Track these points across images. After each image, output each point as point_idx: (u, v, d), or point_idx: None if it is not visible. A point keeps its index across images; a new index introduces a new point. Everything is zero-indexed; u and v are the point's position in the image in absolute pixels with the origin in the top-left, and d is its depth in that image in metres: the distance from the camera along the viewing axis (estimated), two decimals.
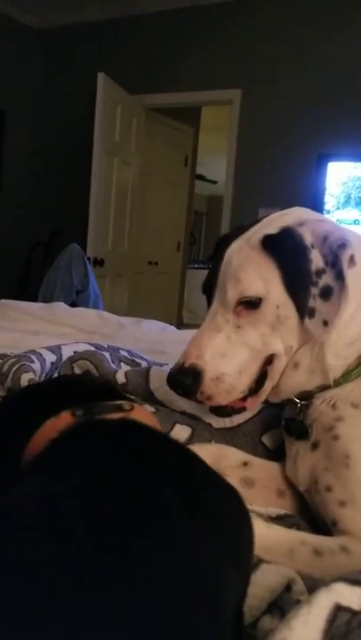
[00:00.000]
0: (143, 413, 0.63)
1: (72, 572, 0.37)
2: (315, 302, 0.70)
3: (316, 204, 3.52)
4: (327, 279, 0.70)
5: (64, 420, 0.58)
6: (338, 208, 3.58)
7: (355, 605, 0.41)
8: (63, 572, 0.36)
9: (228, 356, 0.74)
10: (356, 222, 3.50)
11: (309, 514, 0.77)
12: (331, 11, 3.63)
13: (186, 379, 0.74)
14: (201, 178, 7.41)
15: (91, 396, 0.63)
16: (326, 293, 0.70)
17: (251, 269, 0.73)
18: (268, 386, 0.77)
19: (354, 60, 3.57)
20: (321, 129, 3.66)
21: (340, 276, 0.69)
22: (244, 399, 0.77)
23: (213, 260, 0.81)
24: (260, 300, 0.73)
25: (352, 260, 0.70)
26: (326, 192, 3.59)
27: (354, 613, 0.40)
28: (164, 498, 0.45)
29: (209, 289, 0.79)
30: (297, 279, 0.71)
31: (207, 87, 4.09)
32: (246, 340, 0.74)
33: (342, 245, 0.70)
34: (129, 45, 4.32)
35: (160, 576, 0.38)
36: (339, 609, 0.41)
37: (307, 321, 0.71)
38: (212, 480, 0.54)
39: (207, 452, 0.83)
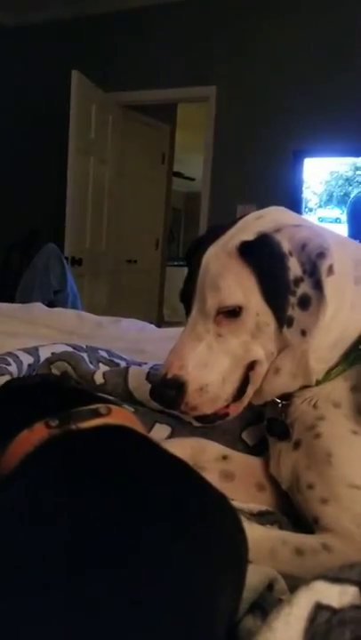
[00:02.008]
0: (122, 414, 0.61)
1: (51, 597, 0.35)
2: (293, 311, 0.69)
3: (294, 201, 3.54)
4: (305, 288, 0.69)
5: (38, 432, 0.55)
6: (320, 206, 3.60)
7: (335, 603, 0.40)
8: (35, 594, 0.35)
9: (211, 365, 0.73)
10: (337, 220, 3.53)
11: (290, 509, 0.77)
12: (303, 8, 3.65)
13: (169, 391, 0.73)
14: (178, 175, 7.39)
15: (64, 400, 0.61)
16: (304, 303, 0.69)
17: (230, 278, 0.72)
18: (250, 391, 0.77)
19: (328, 56, 3.60)
20: (297, 125, 3.68)
21: (318, 286, 0.68)
22: (227, 405, 0.77)
23: (189, 266, 0.79)
24: (241, 309, 0.72)
25: (331, 269, 0.70)
26: (309, 190, 3.60)
27: (334, 611, 0.40)
28: (149, 513, 0.43)
29: (187, 297, 0.78)
30: (274, 287, 0.70)
31: (183, 84, 4.08)
32: (228, 348, 0.73)
33: (321, 255, 0.69)
34: (103, 43, 4.29)
35: (150, 595, 0.37)
36: (319, 607, 0.41)
37: (285, 330, 0.70)
38: (197, 484, 0.52)
39: (186, 446, 0.83)
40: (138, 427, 0.61)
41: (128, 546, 0.40)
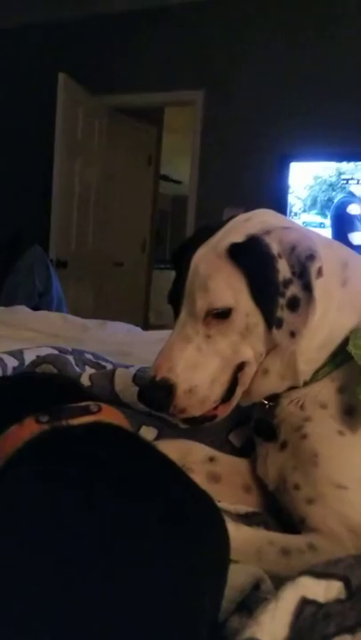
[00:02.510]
0: (112, 413, 0.61)
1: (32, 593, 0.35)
2: (282, 313, 0.70)
3: (280, 204, 3.57)
4: (294, 289, 0.70)
5: (28, 427, 0.54)
6: (304, 211, 3.63)
7: (320, 598, 0.41)
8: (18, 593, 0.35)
9: (200, 366, 0.73)
10: (321, 225, 3.56)
11: (277, 510, 0.78)
12: (290, 11, 3.68)
13: (158, 393, 0.73)
14: (165, 178, 7.40)
15: (55, 396, 0.60)
16: (294, 304, 0.70)
17: (219, 279, 0.72)
18: (239, 392, 0.77)
19: (316, 60, 3.63)
20: (283, 129, 3.71)
21: (307, 288, 0.69)
22: (215, 407, 0.77)
23: (177, 267, 0.79)
24: (230, 310, 0.72)
25: (320, 271, 0.71)
26: (293, 194, 3.63)
27: (319, 606, 0.41)
28: (136, 510, 0.44)
29: (176, 298, 0.78)
30: (264, 289, 0.71)
31: (170, 88, 4.10)
32: (217, 349, 0.73)
33: (310, 257, 0.70)
34: (91, 46, 4.29)
35: (132, 592, 0.37)
36: (305, 602, 0.42)
37: (275, 331, 0.71)
38: (185, 485, 0.52)
39: (173, 448, 0.83)
40: (127, 425, 0.61)
41: (115, 543, 0.40)
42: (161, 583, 0.39)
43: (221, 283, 0.72)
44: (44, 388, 0.66)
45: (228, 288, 0.72)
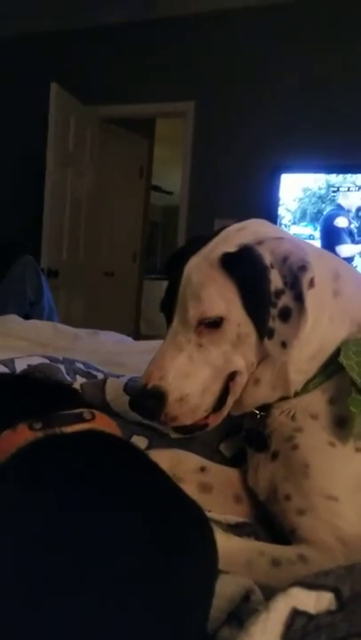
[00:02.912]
0: (105, 421, 0.61)
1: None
2: (274, 323, 0.70)
3: (271, 215, 3.59)
4: (286, 300, 0.70)
5: (22, 433, 0.54)
6: (294, 223, 3.66)
7: (311, 609, 0.41)
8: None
9: (192, 375, 0.73)
10: (310, 237, 3.59)
11: (267, 520, 0.78)
12: (284, 25, 3.73)
13: (149, 401, 0.72)
14: (156, 189, 7.43)
15: (49, 401, 0.60)
16: (285, 315, 0.70)
17: (212, 288, 0.73)
18: (230, 401, 0.77)
19: (307, 72, 3.68)
20: (274, 141, 3.74)
21: (299, 299, 0.69)
22: (206, 416, 0.77)
23: (170, 276, 0.79)
24: (222, 320, 0.72)
25: (312, 282, 0.71)
26: (283, 207, 3.65)
27: (310, 617, 0.40)
28: (125, 522, 0.43)
29: (168, 307, 0.78)
30: (256, 299, 0.71)
31: (161, 99, 4.13)
32: (208, 358, 0.73)
33: (303, 268, 0.70)
34: (83, 57, 4.31)
35: (117, 605, 0.37)
36: (296, 613, 0.41)
37: (266, 341, 0.71)
38: (174, 496, 0.52)
39: (164, 457, 0.83)
40: (119, 434, 0.61)
41: (102, 554, 0.40)
42: (147, 597, 0.39)
43: (214, 292, 0.72)
44: (39, 391, 0.66)
45: (221, 298, 0.72)
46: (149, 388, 0.73)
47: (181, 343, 0.74)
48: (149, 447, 0.91)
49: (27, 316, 2.86)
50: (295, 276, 0.70)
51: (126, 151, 4.91)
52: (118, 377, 1.10)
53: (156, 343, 1.04)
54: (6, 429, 0.55)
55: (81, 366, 1.19)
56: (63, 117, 3.86)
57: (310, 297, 0.70)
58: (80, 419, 0.57)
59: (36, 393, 0.65)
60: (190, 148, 4.07)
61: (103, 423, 0.59)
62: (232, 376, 0.75)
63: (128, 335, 2.36)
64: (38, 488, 0.46)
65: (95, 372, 1.18)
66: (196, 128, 4.04)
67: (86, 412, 0.58)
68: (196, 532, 0.50)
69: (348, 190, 3.49)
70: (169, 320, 0.78)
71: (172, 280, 0.78)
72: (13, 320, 2.31)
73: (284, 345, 0.71)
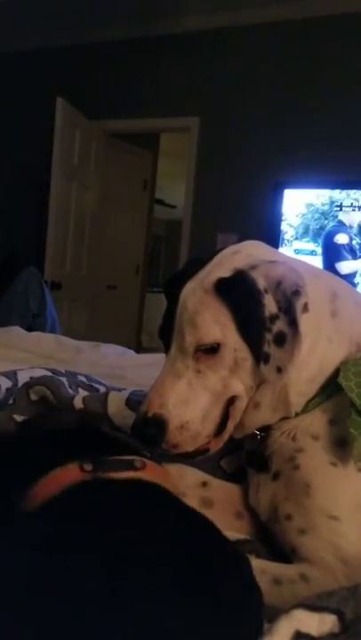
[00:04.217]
0: (156, 471, 0.60)
1: None
2: (269, 348, 0.70)
3: (274, 231, 3.61)
4: (281, 325, 0.70)
5: (71, 472, 0.55)
6: (296, 238, 3.67)
7: (313, 632, 0.40)
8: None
9: (191, 402, 0.73)
10: (313, 253, 3.60)
11: (268, 538, 0.77)
12: (287, 40, 3.78)
13: (150, 429, 0.73)
14: (160, 202, 7.48)
15: (101, 447, 0.59)
16: (280, 340, 0.70)
17: (207, 315, 0.73)
18: (230, 426, 0.77)
19: (310, 88, 3.72)
20: (278, 157, 3.77)
21: (293, 324, 0.69)
22: (208, 441, 0.76)
23: (168, 301, 0.80)
24: (219, 345, 0.72)
25: (305, 307, 0.71)
26: (285, 222, 3.66)
27: None
28: (163, 578, 0.43)
29: (166, 333, 0.78)
30: (250, 324, 0.71)
31: (166, 114, 4.17)
32: (207, 384, 0.73)
33: (296, 292, 0.70)
34: (88, 72, 4.37)
35: None
36: (299, 636, 0.41)
37: (262, 366, 0.71)
38: (222, 551, 0.51)
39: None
40: (170, 484, 0.60)
41: (137, 608, 0.39)
42: None
43: (209, 318, 0.72)
44: (92, 436, 0.66)
45: (216, 323, 0.72)
46: (150, 415, 0.73)
47: (180, 370, 0.74)
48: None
49: (29, 328, 2.86)
50: (289, 301, 0.70)
51: (130, 165, 4.95)
52: (120, 390, 1.10)
53: (158, 356, 1.04)
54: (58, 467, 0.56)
55: (83, 379, 1.19)
56: (68, 131, 3.89)
57: (307, 319, 0.70)
58: (131, 466, 0.57)
59: (91, 437, 0.65)
60: (194, 162, 4.11)
61: (154, 473, 0.58)
62: (232, 400, 0.75)
63: (130, 348, 2.37)
64: (75, 532, 0.46)
65: (97, 386, 1.18)
66: (200, 143, 4.08)
67: (138, 461, 0.58)
68: (244, 597, 0.48)
69: (352, 209, 3.50)
70: (167, 346, 0.77)
71: (170, 306, 0.78)
72: (16, 332, 2.31)
73: (279, 370, 0.70)
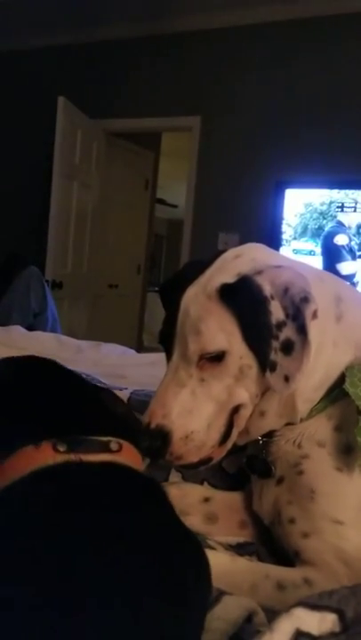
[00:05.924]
0: (131, 454, 0.58)
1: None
2: (276, 356, 0.67)
3: (275, 230, 3.60)
4: (288, 332, 0.67)
5: (44, 453, 0.53)
6: (295, 238, 3.66)
7: (314, 631, 0.41)
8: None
9: (195, 411, 0.70)
10: (311, 253, 3.59)
11: (270, 542, 0.77)
12: (289, 40, 3.77)
13: (154, 441, 0.69)
14: (161, 202, 7.48)
15: (82, 418, 0.58)
16: (288, 348, 0.67)
17: (211, 322, 0.70)
18: (235, 434, 0.75)
19: (312, 88, 3.71)
20: (279, 156, 3.76)
21: (302, 331, 0.67)
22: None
23: (167, 305, 0.77)
24: (224, 354, 0.70)
25: (315, 314, 0.68)
26: (284, 222, 3.66)
27: (313, 639, 0.40)
28: (128, 565, 0.43)
29: (167, 339, 0.75)
30: (257, 332, 0.68)
31: (167, 114, 4.17)
32: (212, 393, 0.71)
33: (305, 299, 0.67)
34: (90, 71, 4.37)
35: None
36: (299, 634, 0.41)
37: (268, 375, 0.68)
38: (180, 532, 0.52)
39: (169, 494, 0.82)
40: (142, 468, 0.60)
41: (102, 593, 0.40)
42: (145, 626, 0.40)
43: (213, 325, 0.70)
44: (86, 402, 0.64)
45: (221, 331, 0.70)
46: (153, 427, 0.70)
47: (183, 378, 0.71)
48: (151, 465, 0.90)
49: (30, 327, 2.86)
50: (297, 309, 0.67)
51: (132, 164, 4.94)
52: (121, 390, 1.10)
53: (159, 356, 1.03)
54: (30, 444, 0.54)
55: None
56: (70, 131, 3.89)
57: (313, 325, 0.68)
58: (106, 448, 0.56)
59: (85, 403, 0.64)
60: (196, 161, 4.10)
61: (128, 456, 0.57)
62: (236, 409, 0.73)
63: (131, 347, 2.37)
64: (41, 512, 0.46)
65: (98, 385, 1.18)
66: (201, 142, 4.08)
67: (114, 444, 0.57)
68: (193, 572, 0.49)
69: (355, 210, 3.49)
70: (168, 351, 0.75)
71: (170, 311, 0.75)
72: (17, 331, 2.31)
73: (287, 379, 0.68)
